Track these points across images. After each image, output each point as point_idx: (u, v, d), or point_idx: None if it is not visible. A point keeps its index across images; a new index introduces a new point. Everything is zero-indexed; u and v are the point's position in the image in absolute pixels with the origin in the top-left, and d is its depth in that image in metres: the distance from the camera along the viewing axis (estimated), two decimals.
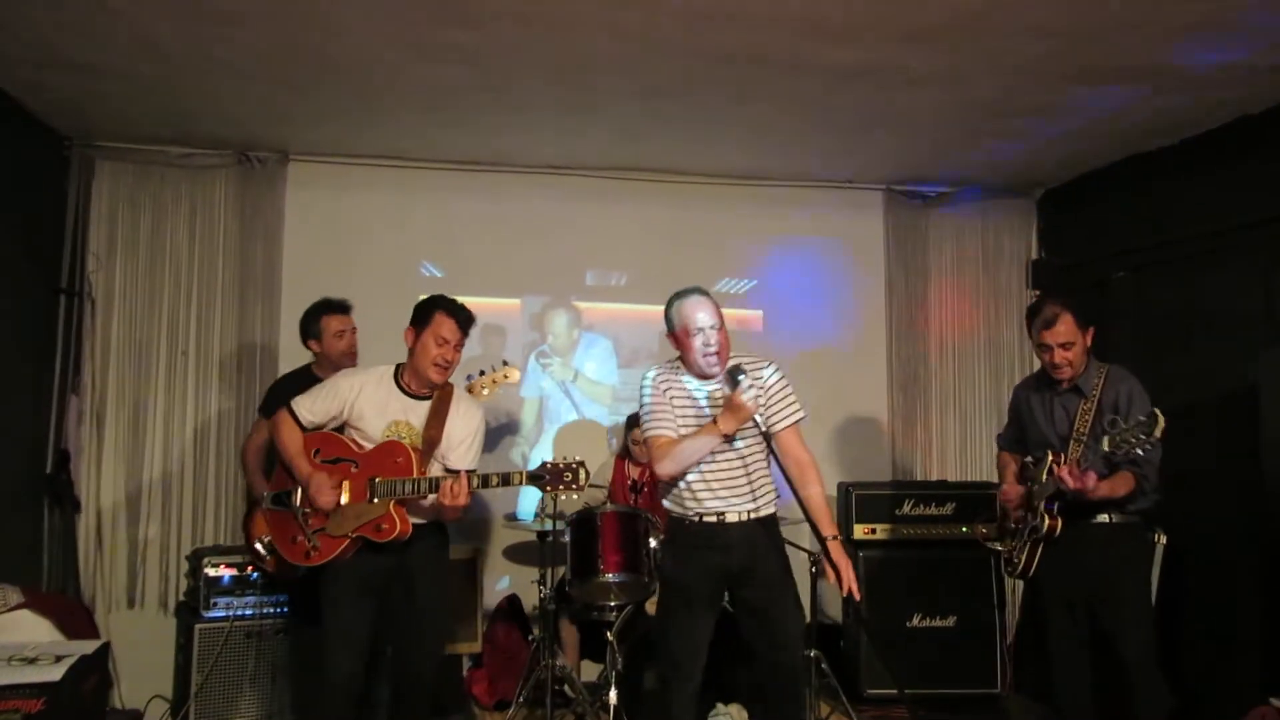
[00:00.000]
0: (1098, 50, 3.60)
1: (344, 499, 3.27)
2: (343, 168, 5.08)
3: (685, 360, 3.24)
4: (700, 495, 3.17)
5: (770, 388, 3.22)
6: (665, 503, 3.32)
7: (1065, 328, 3.44)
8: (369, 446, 3.30)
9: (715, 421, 3.08)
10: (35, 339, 4.52)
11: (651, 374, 3.30)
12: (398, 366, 3.41)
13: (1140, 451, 3.17)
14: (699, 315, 3.14)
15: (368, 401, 3.32)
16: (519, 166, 5.22)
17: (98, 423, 4.72)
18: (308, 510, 3.32)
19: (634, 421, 4.48)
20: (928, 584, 4.68)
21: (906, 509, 4.76)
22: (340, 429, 3.38)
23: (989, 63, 3.74)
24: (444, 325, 3.30)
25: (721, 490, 3.17)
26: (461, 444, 3.36)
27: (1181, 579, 4.31)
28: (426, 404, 3.35)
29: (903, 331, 5.58)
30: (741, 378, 3.04)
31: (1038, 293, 5.70)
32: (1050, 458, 3.53)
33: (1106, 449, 3.24)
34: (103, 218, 4.79)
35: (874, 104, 4.22)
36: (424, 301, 3.42)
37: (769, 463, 3.25)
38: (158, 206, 4.86)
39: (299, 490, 3.35)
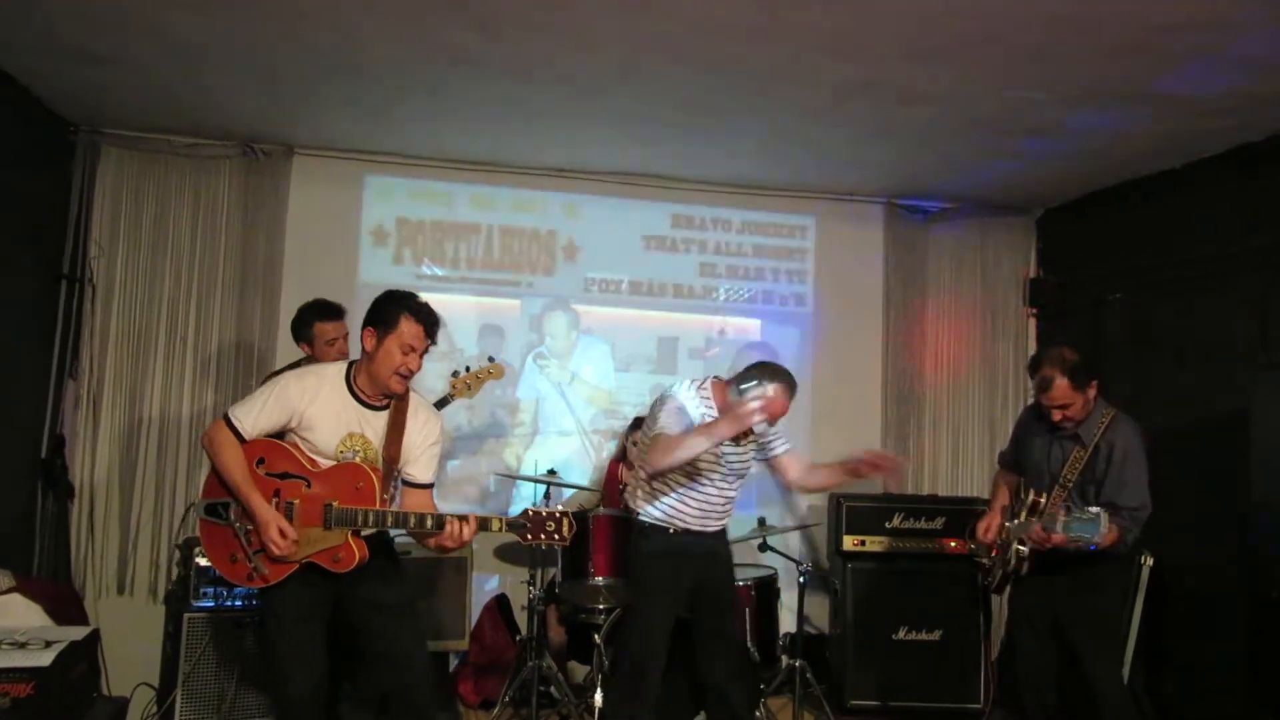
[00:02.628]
0: (1097, 74, 3.62)
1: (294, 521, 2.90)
2: (347, 163, 5.10)
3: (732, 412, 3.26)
4: (690, 515, 3.47)
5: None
6: (647, 507, 3.48)
7: (1060, 392, 3.40)
8: (320, 461, 2.92)
9: (716, 424, 3.21)
10: (35, 324, 4.53)
11: (693, 388, 3.44)
12: (350, 366, 3.02)
13: (1074, 549, 3.24)
14: (787, 406, 3.36)
15: (320, 411, 2.92)
16: (523, 168, 5.24)
17: (94, 408, 4.73)
18: (250, 528, 2.89)
19: (639, 425, 4.46)
20: (915, 597, 4.70)
21: (897, 522, 4.78)
22: (281, 434, 2.97)
23: (991, 82, 3.76)
24: (410, 331, 2.89)
25: (710, 514, 3.51)
26: (422, 455, 3.04)
27: (1166, 602, 4.33)
28: (383, 414, 2.98)
29: (899, 345, 5.60)
30: (756, 391, 3.26)
31: (1034, 311, 5.73)
32: (1032, 497, 3.57)
33: (1059, 531, 3.25)
34: (106, 205, 4.80)
35: (877, 119, 4.25)
36: (385, 299, 2.98)
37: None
38: (161, 195, 4.87)
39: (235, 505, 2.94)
